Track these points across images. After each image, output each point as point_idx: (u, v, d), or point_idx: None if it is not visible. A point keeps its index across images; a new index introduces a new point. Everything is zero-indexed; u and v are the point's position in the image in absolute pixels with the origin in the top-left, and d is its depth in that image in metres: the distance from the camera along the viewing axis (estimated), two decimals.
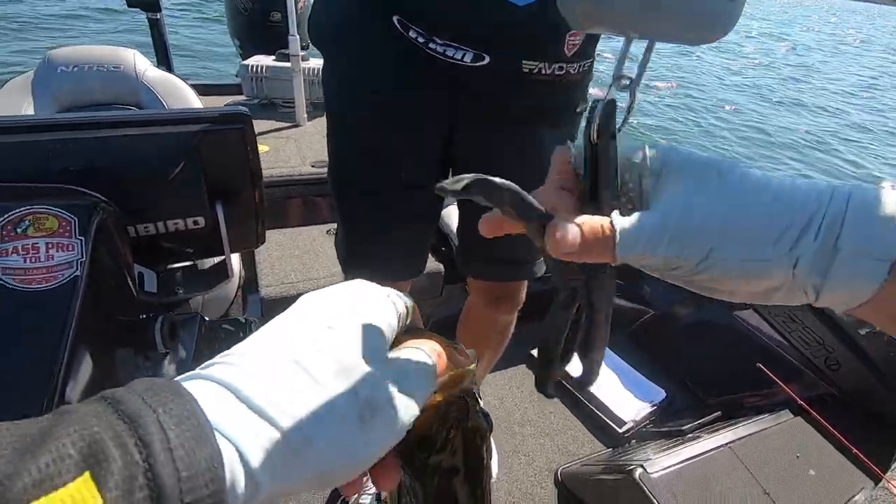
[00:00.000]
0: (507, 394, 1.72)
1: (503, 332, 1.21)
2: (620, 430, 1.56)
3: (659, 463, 1.18)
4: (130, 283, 0.59)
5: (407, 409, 0.26)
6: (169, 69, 2.80)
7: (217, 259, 0.79)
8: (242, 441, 0.21)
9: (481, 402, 0.32)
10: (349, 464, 0.24)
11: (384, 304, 0.29)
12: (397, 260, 0.92)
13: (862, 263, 0.25)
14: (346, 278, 0.95)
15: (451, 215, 1.79)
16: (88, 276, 0.52)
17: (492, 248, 0.97)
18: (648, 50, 0.29)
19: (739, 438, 1.27)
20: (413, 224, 0.89)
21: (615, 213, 0.27)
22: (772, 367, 1.47)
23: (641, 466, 1.17)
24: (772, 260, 0.26)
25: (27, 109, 1.34)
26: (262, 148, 2.06)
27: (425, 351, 0.29)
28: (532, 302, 1.38)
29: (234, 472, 0.20)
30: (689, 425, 1.46)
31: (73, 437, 0.18)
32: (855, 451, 1.21)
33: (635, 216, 0.27)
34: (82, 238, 0.53)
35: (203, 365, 0.24)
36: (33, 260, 0.50)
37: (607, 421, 1.59)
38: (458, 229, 1.00)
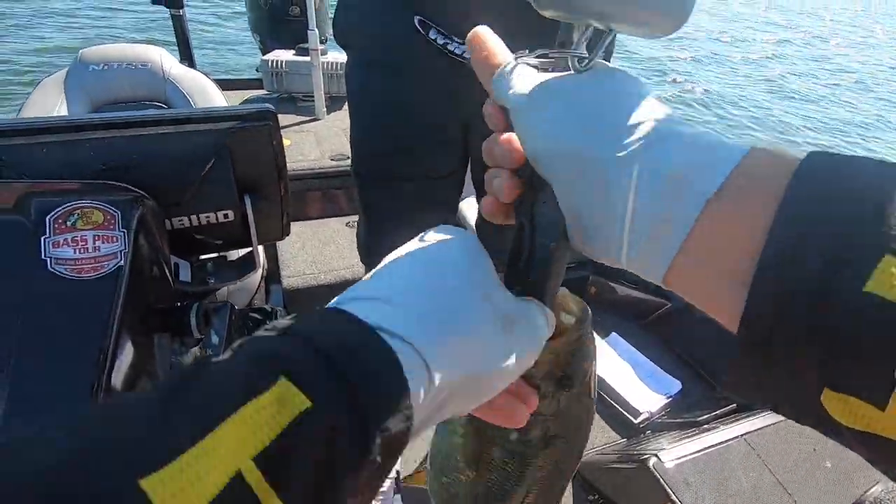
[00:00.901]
0: None
1: None
2: (636, 421, 1.57)
3: (673, 452, 1.19)
4: (168, 272, 0.63)
5: (539, 328, 0.27)
6: (191, 64, 2.86)
7: (244, 250, 0.83)
8: (409, 335, 0.21)
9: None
10: (496, 368, 0.24)
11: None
12: None
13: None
14: (367, 269, 0.99)
15: (470, 206, 1.81)
16: (131, 266, 0.56)
17: (506, 241, 0.99)
18: (603, 36, 0.28)
19: (755, 430, 1.27)
20: (435, 212, 0.91)
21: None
22: None
23: (656, 455, 1.18)
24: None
25: (61, 107, 1.40)
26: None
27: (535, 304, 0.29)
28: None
29: (412, 366, 0.21)
30: (704, 416, 1.47)
31: (254, 350, 0.18)
32: None
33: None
34: (125, 230, 0.57)
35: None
36: (82, 251, 0.54)
37: (623, 412, 1.60)
38: (476, 222, 1.02)
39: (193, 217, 0.70)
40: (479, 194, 1.03)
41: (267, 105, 0.74)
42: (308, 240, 1.86)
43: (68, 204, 0.55)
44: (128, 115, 0.64)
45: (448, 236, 0.29)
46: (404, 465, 0.97)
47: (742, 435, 1.25)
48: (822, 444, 1.24)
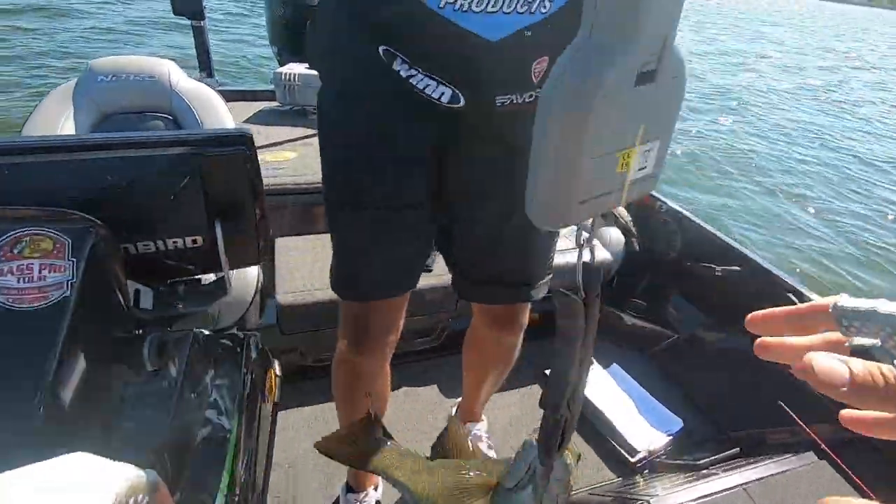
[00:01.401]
0: (516, 413, 1.69)
1: (508, 353, 1.18)
2: (633, 460, 1.50)
3: (666, 500, 1.13)
4: (123, 301, 0.61)
5: None
6: (209, 74, 2.91)
7: (218, 274, 0.81)
8: None
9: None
10: None
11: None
12: (390, 275, 0.92)
13: None
14: (339, 296, 0.96)
15: None
16: (79, 296, 0.54)
17: (484, 270, 0.96)
18: None
19: (757, 479, 1.20)
20: (407, 242, 0.88)
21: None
22: (800, 402, 1.39)
23: (647, 501, 1.12)
24: None
25: (67, 118, 1.42)
26: (287, 155, 2.10)
27: None
28: (544, 320, 1.34)
29: None
30: (704, 460, 1.40)
31: None
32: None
33: None
34: (75, 259, 0.55)
35: None
36: (27, 280, 0.53)
37: (619, 448, 1.53)
38: (453, 251, 0.98)
39: (160, 242, 0.69)
40: (456, 226, 0.99)
41: (244, 129, 0.72)
42: (308, 254, 1.85)
43: (16, 231, 0.54)
44: (89, 138, 0.63)
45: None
46: None
47: (742, 484, 1.18)
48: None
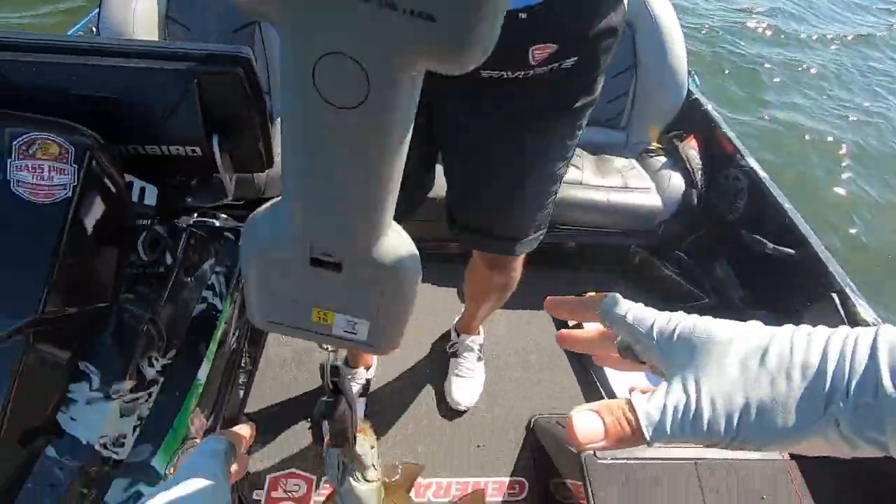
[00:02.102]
0: (512, 335, 1.79)
1: (500, 290, 1.23)
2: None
3: (612, 453, 1.21)
4: (122, 200, 0.72)
5: None
6: None
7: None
8: None
9: None
10: None
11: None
12: None
13: None
14: None
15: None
16: (80, 197, 0.65)
17: (468, 218, 0.98)
18: None
19: (710, 459, 1.23)
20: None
21: (636, 396, 0.30)
22: None
23: (593, 450, 1.21)
24: (802, 430, 0.27)
25: None
26: None
27: None
28: (544, 253, 1.34)
29: None
30: None
31: None
32: None
33: (659, 398, 0.29)
34: (76, 165, 0.65)
35: None
36: (39, 178, 0.64)
37: (604, 395, 1.61)
38: (447, 197, 1.00)
39: (163, 147, 0.77)
40: (447, 172, 0.99)
41: (241, 49, 0.74)
42: None
43: (31, 133, 0.64)
44: (99, 42, 0.68)
45: (195, 479, 0.34)
46: None
47: (694, 459, 1.23)
48: (774, 498, 1.18)
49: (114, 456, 0.76)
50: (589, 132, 1.91)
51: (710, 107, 1.99)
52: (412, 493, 1.33)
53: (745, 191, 1.71)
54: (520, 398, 1.61)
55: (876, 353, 0.26)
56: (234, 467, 0.40)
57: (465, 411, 1.54)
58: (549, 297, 0.40)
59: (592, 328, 0.40)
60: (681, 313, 0.34)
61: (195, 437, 0.87)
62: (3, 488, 0.67)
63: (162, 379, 0.81)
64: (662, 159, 1.90)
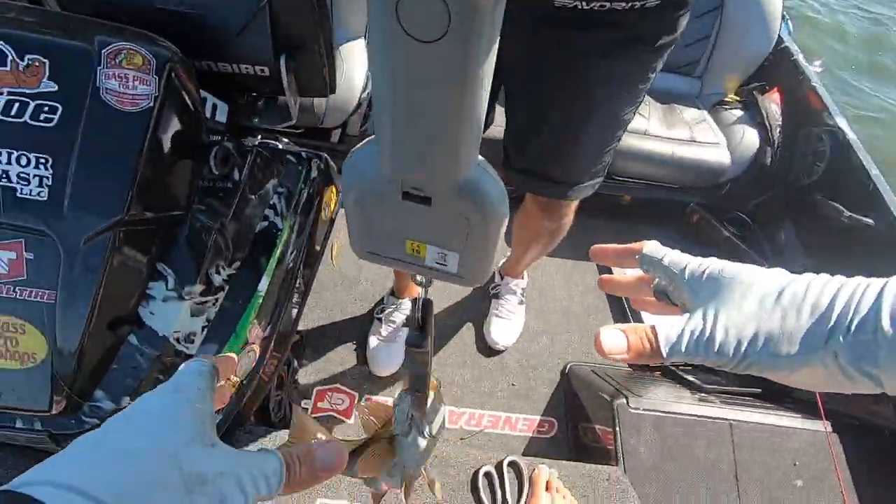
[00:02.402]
0: (556, 282, 1.79)
1: (550, 236, 1.23)
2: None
3: (645, 404, 1.23)
4: (198, 114, 0.76)
5: (254, 478, 0.29)
6: None
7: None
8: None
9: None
10: None
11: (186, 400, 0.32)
12: None
13: None
14: None
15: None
16: (161, 107, 0.69)
17: (522, 157, 0.96)
18: None
19: (748, 422, 1.23)
20: None
21: (659, 321, 0.34)
22: None
23: (626, 398, 1.23)
24: (802, 358, 0.30)
25: None
26: None
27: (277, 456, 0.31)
28: (596, 203, 1.31)
29: None
30: (717, 386, 1.43)
31: None
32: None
33: (679, 323, 0.33)
34: (157, 76, 0.68)
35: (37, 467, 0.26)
36: (124, 87, 0.67)
37: None
38: (504, 137, 0.97)
39: (234, 65, 0.79)
40: (508, 111, 0.96)
41: None
42: None
43: (119, 43, 0.67)
44: None
45: (176, 390, 0.32)
46: None
47: (730, 419, 1.22)
48: (809, 467, 1.17)
49: (185, 350, 0.84)
50: (660, 79, 1.79)
51: (800, 57, 1.80)
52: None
53: (827, 152, 1.58)
54: (557, 344, 1.64)
55: (881, 298, 0.28)
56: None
57: (502, 351, 1.58)
58: (593, 246, 0.43)
59: (630, 274, 0.43)
60: (713, 258, 0.36)
61: (253, 344, 0.94)
62: (95, 368, 0.77)
63: (227, 287, 0.88)
64: (738, 113, 1.77)
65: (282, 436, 1.01)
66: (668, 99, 1.84)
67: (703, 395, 1.39)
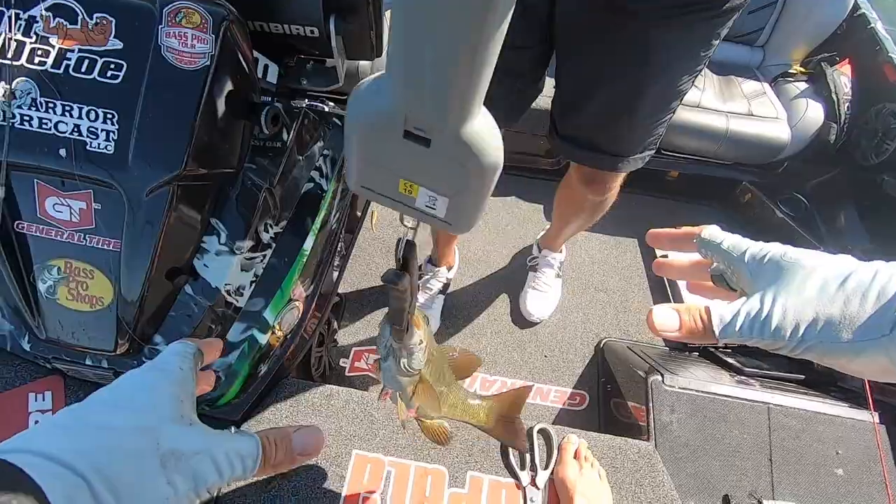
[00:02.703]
0: (595, 257, 1.76)
1: (592, 209, 1.21)
2: None
3: (681, 382, 1.21)
4: (252, 75, 0.78)
5: (231, 459, 0.30)
6: None
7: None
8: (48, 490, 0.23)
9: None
10: (151, 499, 0.27)
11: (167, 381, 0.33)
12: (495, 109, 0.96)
13: None
14: None
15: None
16: (217, 66, 0.71)
17: (569, 126, 0.94)
18: None
19: (788, 407, 1.20)
20: (511, 81, 0.89)
21: (713, 302, 0.35)
22: None
23: (661, 375, 1.22)
24: (864, 344, 0.29)
25: None
26: None
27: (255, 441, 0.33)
28: (643, 177, 1.27)
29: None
30: (758, 370, 1.39)
31: None
32: None
33: (735, 305, 0.33)
34: (214, 35, 0.70)
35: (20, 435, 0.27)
36: (183, 45, 0.70)
37: None
38: (552, 105, 0.95)
39: (285, 26, 0.80)
40: (557, 79, 0.93)
41: None
42: None
43: (178, 2, 0.69)
44: None
45: (159, 368, 0.34)
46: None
47: (770, 403, 1.20)
48: (850, 456, 1.14)
49: (235, 302, 0.89)
50: (718, 48, 1.70)
51: (878, 26, 1.66)
52: (475, 386, 1.43)
53: None
54: (592, 319, 1.63)
55: None
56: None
57: (536, 323, 1.59)
58: (650, 230, 0.43)
59: (686, 258, 0.43)
60: (775, 243, 0.35)
61: (297, 301, 0.99)
62: (155, 314, 0.83)
63: (274, 245, 0.92)
64: (802, 85, 1.66)
65: (321, 390, 1.06)
66: (725, 70, 1.74)
67: (742, 378, 1.36)
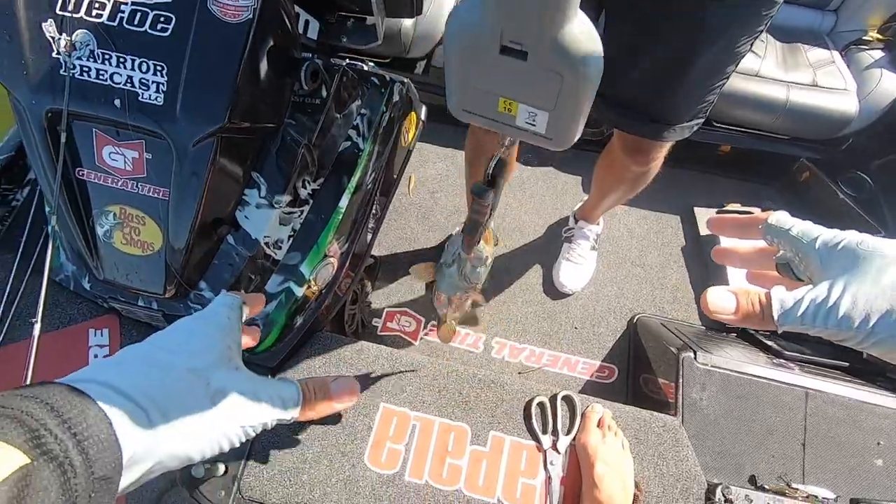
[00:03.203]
0: (633, 231, 1.72)
1: (634, 180, 1.17)
2: None
3: (714, 360, 1.18)
4: (293, 29, 0.79)
5: (271, 400, 0.33)
6: None
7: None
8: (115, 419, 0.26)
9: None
10: (200, 431, 0.30)
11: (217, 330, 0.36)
12: None
13: None
14: None
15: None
16: (260, 19, 0.73)
17: (614, 90, 0.90)
18: None
19: (827, 393, 1.15)
20: None
21: (775, 288, 0.33)
22: None
23: (694, 352, 1.20)
24: None
25: None
26: None
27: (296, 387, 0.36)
28: (690, 149, 1.20)
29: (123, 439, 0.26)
30: (799, 354, 1.34)
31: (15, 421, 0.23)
32: None
33: (799, 291, 0.32)
34: None
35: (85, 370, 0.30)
36: None
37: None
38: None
39: None
40: (608, 44, 0.89)
41: None
42: None
43: None
44: None
45: (210, 317, 0.36)
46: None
47: (808, 388, 1.15)
48: (893, 446, 1.09)
49: (273, 255, 0.93)
50: (783, 11, 1.58)
51: None
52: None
53: None
54: (627, 294, 1.60)
55: None
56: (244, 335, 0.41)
57: (569, 295, 1.58)
58: (712, 216, 0.42)
59: (750, 244, 0.41)
60: (851, 231, 0.33)
61: (332, 258, 1.02)
62: (200, 261, 0.88)
63: (312, 201, 0.95)
64: (877, 54, 1.53)
65: (353, 345, 1.10)
66: (791, 37, 1.62)
67: (781, 361, 1.31)
